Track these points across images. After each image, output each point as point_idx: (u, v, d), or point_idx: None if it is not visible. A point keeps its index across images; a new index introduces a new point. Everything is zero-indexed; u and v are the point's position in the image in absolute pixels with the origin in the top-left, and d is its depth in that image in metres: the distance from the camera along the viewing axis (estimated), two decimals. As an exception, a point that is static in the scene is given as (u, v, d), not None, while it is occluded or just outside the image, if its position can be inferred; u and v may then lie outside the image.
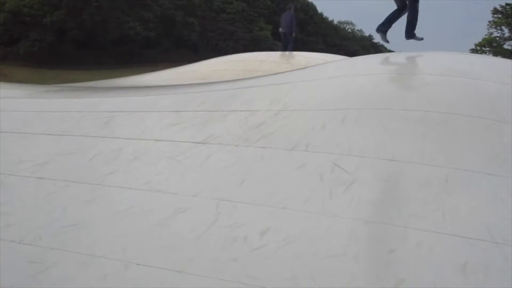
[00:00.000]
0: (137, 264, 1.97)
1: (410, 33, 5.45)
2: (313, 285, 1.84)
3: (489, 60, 6.00)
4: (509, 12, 37.84)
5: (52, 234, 2.27)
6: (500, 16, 38.59)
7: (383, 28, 5.61)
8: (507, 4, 37.75)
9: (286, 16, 11.52)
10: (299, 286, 1.84)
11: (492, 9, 39.02)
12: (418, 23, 5.54)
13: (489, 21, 39.51)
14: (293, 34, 11.45)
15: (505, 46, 38.31)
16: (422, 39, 5.56)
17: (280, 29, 11.47)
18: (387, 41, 5.80)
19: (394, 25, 5.75)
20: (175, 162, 2.94)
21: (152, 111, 3.89)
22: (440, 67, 4.51)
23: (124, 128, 3.54)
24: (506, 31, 38.80)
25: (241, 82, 4.87)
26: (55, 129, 3.54)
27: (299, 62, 9.86)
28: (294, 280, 1.84)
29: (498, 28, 38.86)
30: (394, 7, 5.64)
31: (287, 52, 11.54)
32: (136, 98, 4.61)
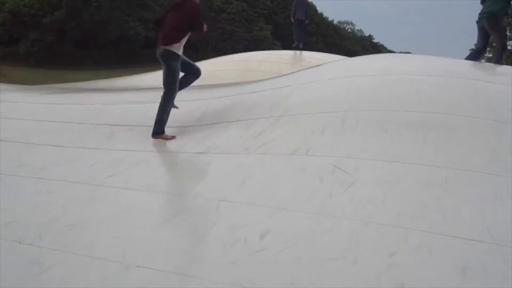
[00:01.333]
0: (137, 266, 1.96)
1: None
2: (313, 288, 1.83)
3: (488, 65, 6.02)
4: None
5: (52, 234, 2.27)
6: (500, 15, 38.52)
7: None
8: (507, 4, 37.68)
9: (300, 3, 11.54)
10: (299, 289, 1.84)
11: (492, 8, 38.97)
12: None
13: (489, 21, 39.45)
14: (307, 21, 11.63)
15: (505, 46, 38.22)
16: None
17: (295, 17, 11.42)
18: None
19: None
20: (176, 168, 2.94)
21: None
22: (440, 67, 4.51)
23: (126, 143, 3.54)
24: (506, 31, 38.74)
25: (241, 87, 4.87)
26: (55, 141, 3.49)
27: (299, 62, 9.85)
28: (294, 285, 1.84)
29: (498, 27, 38.80)
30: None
31: (286, 52, 11.57)
32: (137, 107, 4.59)
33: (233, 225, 2.25)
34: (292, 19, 11.53)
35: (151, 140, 3.56)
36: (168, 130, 3.67)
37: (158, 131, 3.64)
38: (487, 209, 2.24)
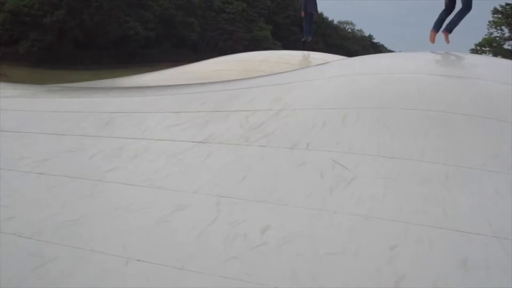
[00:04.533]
0: (138, 260, 1.97)
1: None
2: (313, 283, 1.84)
3: (488, 60, 6.02)
4: (509, 12, 37.89)
5: (52, 229, 2.28)
6: (500, 16, 38.65)
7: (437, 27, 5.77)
8: (507, 4, 37.82)
9: None
10: (299, 284, 1.84)
11: (492, 9, 39.08)
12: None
13: (489, 21, 39.58)
14: (316, 15, 11.86)
15: (505, 46, 38.36)
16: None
17: (306, 10, 11.49)
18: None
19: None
20: (176, 160, 2.95)
21: (153, 111, 3.90)
22: (440, 66, 4.53)
23: (125, 129, 3.55)
24: (506, 31, 38.86)
25: (241, 82, 4.88)
26: (55, 129, 3.56)
27: (299, 62, 9.87)
28: (294, 278, 1.85)
29: (498, 28, 38.93)
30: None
31: (286, 52, 11.64)
32: (136, 99, 4.62)
33: (233, 220, 2.26)
34: (302, 14, 11.57)
35: (150, 124, 3.58)
36: (163, 115, 3.73)
37: (448, 28, 5.21)
38: (488, 204, 2.25)
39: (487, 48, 38.05)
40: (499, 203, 2.23)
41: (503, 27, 38.67)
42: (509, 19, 37.76)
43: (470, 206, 2.22)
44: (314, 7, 11.67)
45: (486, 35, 39.50)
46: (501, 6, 38.41)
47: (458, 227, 2.05)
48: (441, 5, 5.58)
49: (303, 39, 11.65)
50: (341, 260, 1.91)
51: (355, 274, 1.83)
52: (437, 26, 5.59)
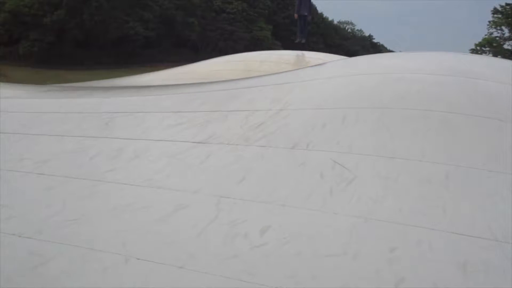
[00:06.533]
0: (138, 259, 1.97)
1: None
2: (313, 284, 1.84)
3: (489, 60, 6.02)
4: (509, 12, 37.93)
5: (52, 228, 2.28)
6: (500, 16, 38.70)
7: None
8: (507, 4, 37.86)
9: (305, 0, 11.77)
10: (299, 285, 1.85)
11: (492, 9, 39.12)
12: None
13: (489, 21, 39.65)
14: (310, 17, 11.97)
15: (505, 46, 38.42)
16: None
17: (300, 13, 11.62)
18: None
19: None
20: (176, 160, 2.95)
21: (153, 111, 3.90)
22: (440, 66, 4.52)
23: (125, 129, 3.55)
24: (506, 31, 38.92)
25: (241, 82, 4.88)
26: (56, 130, 3.57)
27: (299, 62, 9.87)
28: (294, 278, 1.85)
29: (498, 28, 38.99)
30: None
31: (286, 52, 11.67)
32: (136, 99, 4.62)
33: (233, 220, 2.26)
34: (295, 16, 11.70)
35: (150, 124, 3.59)
36: (163, 115, 3.73)
37: None
38: (488, 205, 2.25)
39: (487, 48, 38.09)
40: (499, 204, 2.23)
41: (503, 27, 38.73)
42: (509, 19, 37.80)
43: (470, 208, 2.21)
44: (308, 9, 11.80)
45: (486, 35, 39.56)
46: (501, 6, 38.46)
47: (457, 230, 2.05)
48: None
49: (296, 41, 11.76)
50: (341, 262, 1.91)
51: (354, 276, 1.83)
52: None
